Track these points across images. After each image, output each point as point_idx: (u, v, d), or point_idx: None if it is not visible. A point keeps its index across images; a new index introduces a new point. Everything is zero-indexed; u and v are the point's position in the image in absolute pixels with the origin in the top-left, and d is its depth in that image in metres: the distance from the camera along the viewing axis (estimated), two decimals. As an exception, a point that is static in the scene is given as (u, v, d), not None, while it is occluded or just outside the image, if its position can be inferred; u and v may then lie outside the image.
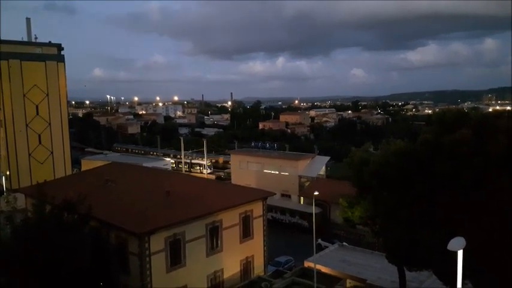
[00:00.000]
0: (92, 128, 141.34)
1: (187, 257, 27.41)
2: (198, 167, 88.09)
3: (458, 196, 19.06)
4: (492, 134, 19.48)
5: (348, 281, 31.65)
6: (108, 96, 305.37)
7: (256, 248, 32.94)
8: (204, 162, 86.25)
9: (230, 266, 30.68)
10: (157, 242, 25.54)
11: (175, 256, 26.81)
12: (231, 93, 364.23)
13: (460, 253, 10.85)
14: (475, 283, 20.35)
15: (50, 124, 63.82)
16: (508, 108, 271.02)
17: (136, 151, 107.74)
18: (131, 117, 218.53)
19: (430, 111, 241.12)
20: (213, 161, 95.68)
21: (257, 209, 32.77)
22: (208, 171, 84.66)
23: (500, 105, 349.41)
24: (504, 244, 18.21)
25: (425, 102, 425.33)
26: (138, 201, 29.41)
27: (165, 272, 26.17)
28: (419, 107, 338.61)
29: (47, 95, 63.21)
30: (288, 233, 51.70)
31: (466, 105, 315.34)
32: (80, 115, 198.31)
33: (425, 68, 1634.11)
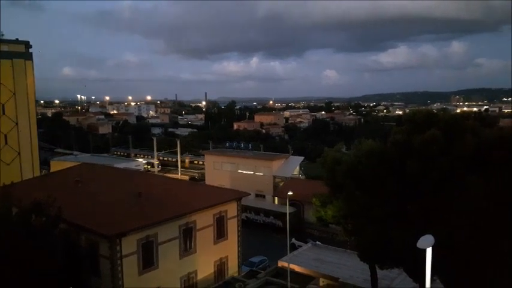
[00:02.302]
0: (61, 128, 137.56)
1: (160, 259, 27.03)
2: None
3: (427, 195, 19.54)
4: (460, 134, 20.08)
5: (321, 279, 31.97)
6: (79, 96, 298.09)
7: (230, 248, 32.84)
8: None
9: (204, 267, 30.46)
10: (129, 244, 25.08)
11: (148, 258, 26.39)
12: (205, 93, 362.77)
13: (429, 250, 11.09)
14: (444, 279, 20.92)
15: (17, 124, 61.52)
16: (475, 109, 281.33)
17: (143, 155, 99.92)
18: (102, 117, 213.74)
19: (400, 112, 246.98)
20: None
21: (231, 209, 32.67)
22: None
23: (468, 106, 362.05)
24: (471, 241, 18.80)
25: (396, 103, 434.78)
26: (109, 203, 28.82)
27: (137, 274, 25.73)
28: (391, 108, 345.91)
29: (14, 94, 60.90)
30: (263, 233, 51.79)
31: (436, 106, 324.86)
32: (49, 115, 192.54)
33: (396, 69, 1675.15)
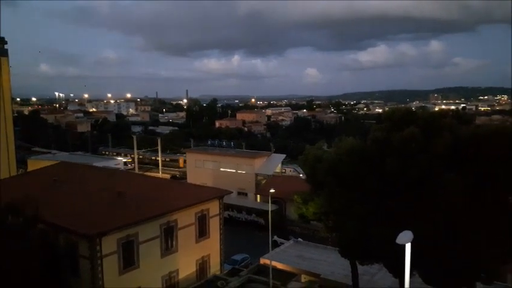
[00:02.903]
0: (38, 126, 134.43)
1: (140, 259, 26.74)
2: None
3: (406, 192, 19.89)
4: (438, 132, 20.49)
5: (303, 276, 32.25)
6: (57, 93, 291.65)
7: (212, 247, 32.75)
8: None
9: (186, 266, 30.30)
10: (109, 244, 24.74)
11: (129, 258, 26.09)
12: (187, 90, 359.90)
13: (408, 246, 11.28)
14: (422, 274, 21.36)
15: (-8, 122, 59.96)
16: (453, 107, 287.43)
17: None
18: (81, 115, 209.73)
19: (380, 110, 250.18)
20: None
21: (213, 207, 32.57)
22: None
23: (446, 104, 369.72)
24: (448, 237, 19.25)
25: (376, 101, 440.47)
26: (89, 202, 28.36)
27: (117, 274, 25.41)
28: (371, 106, 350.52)
29: (-11, 91, 59.29)
30: (245, 231, 51.82)
31: (414, 104, 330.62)
32: (26, 113, 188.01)
33: (375, 68, 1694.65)
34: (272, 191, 32.64)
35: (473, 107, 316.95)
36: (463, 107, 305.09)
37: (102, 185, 33.00)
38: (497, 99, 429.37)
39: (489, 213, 19.55)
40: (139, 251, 26.68)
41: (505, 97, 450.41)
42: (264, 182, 60.57)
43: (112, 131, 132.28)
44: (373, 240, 20.54)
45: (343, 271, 29.66)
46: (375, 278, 29.92)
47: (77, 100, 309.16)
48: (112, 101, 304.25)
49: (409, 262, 11.46)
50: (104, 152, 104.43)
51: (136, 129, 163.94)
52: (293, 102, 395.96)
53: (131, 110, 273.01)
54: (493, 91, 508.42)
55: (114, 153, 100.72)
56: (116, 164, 69.76)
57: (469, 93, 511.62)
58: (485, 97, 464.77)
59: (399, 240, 11.25)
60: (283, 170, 75.12)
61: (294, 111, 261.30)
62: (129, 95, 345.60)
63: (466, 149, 19.99)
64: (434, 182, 19.20)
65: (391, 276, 23.97)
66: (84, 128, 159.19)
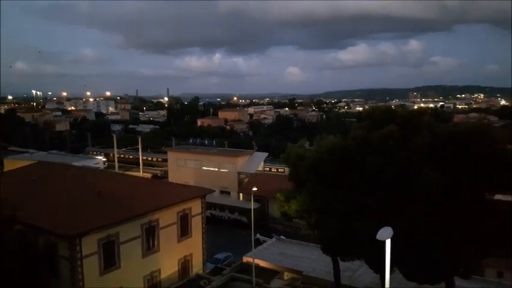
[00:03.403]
0: (15, 125, 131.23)
1: (122, 259, 26.46)
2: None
3: (386, 189, 20.19)
4: (417, 130, 20.86)
5: (286, 273, 32.42)
6: (34, 91, 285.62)
7: (194, 246, 32.62)
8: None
9: (168, 265, 30.10)
10: (90, 245, 24.41)
11: (109, 258, 25.79)
12: (167, 88, 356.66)
13: (388, 242, 11.45)
14: (402, 269, 21.73)
15: (-34, 121, 58.33)
16: (431, 105, 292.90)
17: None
18: (59, 113, 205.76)
19: (360, 109, 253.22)
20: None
21: (195, 206, 32.42)
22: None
23: (424, 102, 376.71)
24: (427, 233, 19.62)
25: (357, 100, 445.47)
26: (68, 202, 27.89)
27: (98, 275, 25.09)
28: (351, 105, 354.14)
29: (-38, 89, 57.64)
30: (228, 229, 51.80)
31: (394, 102, 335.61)
32: (2, 111, 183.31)
33: (356, 67, 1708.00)
34: (255, 189, 32.69)
35: (451, 105, 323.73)
36: (442, 105, 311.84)
37: (82, 184, 32.50)
38: (474, 98, 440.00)
39: (467, 209, 20.01)
40: (121, 251, 26.40)
41: (482, 95, 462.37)
42: (246, 180, 60.62)
43: (91, 129, 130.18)
44: (354, 236, 20.78)
45: (325, 268, 29.92)
46: (356, 274, 30.30)
47: (55, 98, 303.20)
48: (91, 100, 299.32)
49: (389, 258, 11.64)
50: (91, 152, 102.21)
51: (116, 127, 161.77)
52: (275, 100, 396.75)
53: (111, 109, 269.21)
54: (470, 89, 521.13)
55: (102, 153, 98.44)
56: (95, 163, 68.71)
57: (447, 91, 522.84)
58: (463, 95, 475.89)
59: (379, 236, 11.41)
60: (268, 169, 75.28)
61: (276, 110, 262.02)
62: (108, 93, 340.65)
63: (444, 147, 20.40)
64: (413, 179, 19.53)
65: (372, 272, 24.30)
66: (62, 126, 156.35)
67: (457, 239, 19.48)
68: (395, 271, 21.49)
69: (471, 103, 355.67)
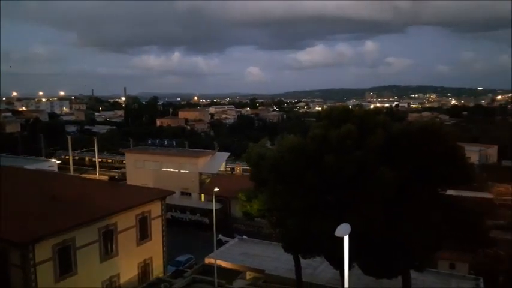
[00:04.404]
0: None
1: (78, 265, 25.57)
2: None
3: (344, 186, 20.67)
4: (372, 128, 21.49)
5: (248, 273, 32.46)
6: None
7: (155, 249, 32.01)
8: None
9: (127, 270, 29.38)
10: (44, 251, 23.39)
11: (65, 264, 24.85)
12: (125, 88, 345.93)
13: (346, 238, 11.69)
14: (361, 265, 22.34)
15: None
16: (387, 105, 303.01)
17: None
18: (9, 114, 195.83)
19: (319, 108, 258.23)
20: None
21: (155, 209, 31.82)
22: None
23: (380, 102, 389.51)
24: (383, 228, 20.27)
25: (316, 100, 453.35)
26: (20, 207, 26.57)
27: (53, 282, 24.11)
28: (311, 105, 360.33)
29: None
30: (189, 231, 51.24)
31: (351, 102, 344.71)
32: None
33: (315, 67, 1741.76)
34: (216, 189, 32.52)
35: (406, 105, 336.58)
36: (396, 104, 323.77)
37: (35, 188, 31.11)
38: (427, 97, 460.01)
39: (421, 205, 20.86)
40: (77, 257, 25.53)
41: (434, 95, 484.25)
42: (208, 181, 60.21)
43: (44, 131, 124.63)
44: (314, 234, 21.12)
45: (287, 266, 30.23)
46: (317, 271, 30.82)
47: (4, 99, 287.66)
48: (44, 100, 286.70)
49: (347, 254, 11.89)
50: (63, 157, 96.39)
51: (71, 128, 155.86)
52: (236, 100, 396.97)
53: (65, 109, 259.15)
54: (423, 89, 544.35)
55: (77, 158, 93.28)
56: (49, 166, 65.89)
57: (402, 91, 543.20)
58: (417, 95, 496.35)
59: (338, 233, 11.62)
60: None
61: (238, 110, 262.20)
62: (62, 93, 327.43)
63: (398, 145, 21.16)
64: (369, 177, 20.11)
65: (333, 268, 24.81)
66: (13, 128, 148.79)
67: (411, 233, 20.24)
68: (354, 267, 22.06)
69: (424, 102, 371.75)
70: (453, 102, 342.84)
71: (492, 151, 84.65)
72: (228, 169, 76.69)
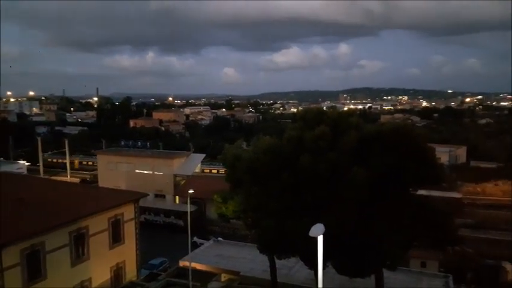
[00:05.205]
0: None
1: (48, 269, 24.82)
2: None
3: (318, 187, 20.85)
4: (346, 130, 21.80)
5: (223, 275, 32.32)
6: None
7: (128, 252, 31.45)
8: None
9: (99, 274, 28.73)
10: (11, 256, 22.58)
11: (35, 269, 24.07)
12: (97, 88, 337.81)
13: (320, 238, 11.77)
14: (335, 264, 22.57)
15: None
16: (360, 107, 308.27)
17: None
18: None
19: (295, 110, 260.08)
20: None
21: (128, 211, 31.28)
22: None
23: (354, 104, 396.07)
24: (355, 228, 20.55)
25: (291, 101, 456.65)
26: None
27: (21, 288, 23.32)
28: (286, 106, 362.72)
29: None
30: (163, 234, 50.55)
31: (325, 104, 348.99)
32: None
33: (290, 69, 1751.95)
34: (191, 191, 32.24)
35: (378, 107, 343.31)
36: (369, 106, 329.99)
37: (1, 191, 29.97)
38: (399, 99, 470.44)
39: (392, 205, 21.26)
40: (47, 261, 24.79)
41: (405, 97, 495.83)
42: (183, 182, 59.65)
43: (13, 132, 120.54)
44: (289, 234, 21.22)
45: (262, 267, 30.24)
46: (292, 271, 30.96)
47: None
48: (12, 100, 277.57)
49: (321, 254, 11.97)
50: (54, 160, 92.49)
51: (41, 129, 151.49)
52: (212, 101, 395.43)
53: (35, 109, 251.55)
54: (395, 92, 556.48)
55: (64, 160, 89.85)
56: (18, 169, 63.88)
57: (375, 93, 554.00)
58: (389, 97, 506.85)
59: (312, 233, 11.68)
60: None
61: (213, 111, 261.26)
62: (32, 93, 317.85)
63: (371, 146, 21.52)
64: (343, 177, 20.37)
65: (307, 268, 24.96)
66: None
67: (383, 233, 20.60)
68: (328, 266, 22.27)
69: (396, 104, 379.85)
70: (424, 104, 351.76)
71: (461, 152, 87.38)
72: (206, 170, 76.24)
